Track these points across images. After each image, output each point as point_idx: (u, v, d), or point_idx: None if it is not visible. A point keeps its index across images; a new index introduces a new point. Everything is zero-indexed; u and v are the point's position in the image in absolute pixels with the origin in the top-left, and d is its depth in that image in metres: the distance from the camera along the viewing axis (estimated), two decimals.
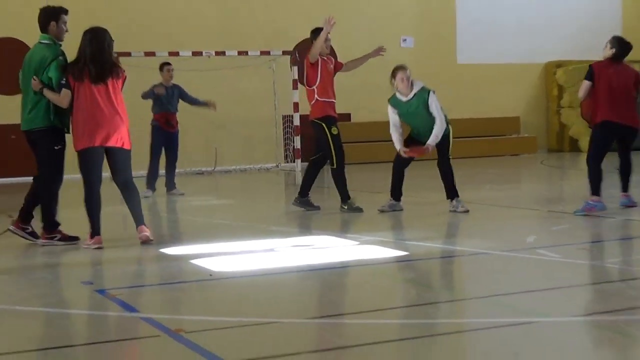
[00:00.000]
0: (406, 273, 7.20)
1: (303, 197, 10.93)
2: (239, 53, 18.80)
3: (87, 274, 7.27)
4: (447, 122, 10.34)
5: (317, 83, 10.52)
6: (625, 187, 10.30)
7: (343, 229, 9.53)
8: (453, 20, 22.91)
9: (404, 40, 22.40)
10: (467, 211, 10.19)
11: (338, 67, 11.02)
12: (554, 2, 23.76)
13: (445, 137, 10.33)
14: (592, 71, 10.15)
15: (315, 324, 5.37)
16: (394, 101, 10.41)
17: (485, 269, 7.18)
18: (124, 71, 8.38)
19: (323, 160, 10.90)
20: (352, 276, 7.14)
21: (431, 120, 10.18)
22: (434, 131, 10.14)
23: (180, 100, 13.88)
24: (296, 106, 18.90)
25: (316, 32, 10.65)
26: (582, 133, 23.04)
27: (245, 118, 19.85)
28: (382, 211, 10.38)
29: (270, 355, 4.64)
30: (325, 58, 10.72)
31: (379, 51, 11.06)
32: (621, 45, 10.13)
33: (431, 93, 10.27)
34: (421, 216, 10.50)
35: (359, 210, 10.42)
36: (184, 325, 5.24)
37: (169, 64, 14.16)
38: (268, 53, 19.13)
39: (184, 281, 6.86)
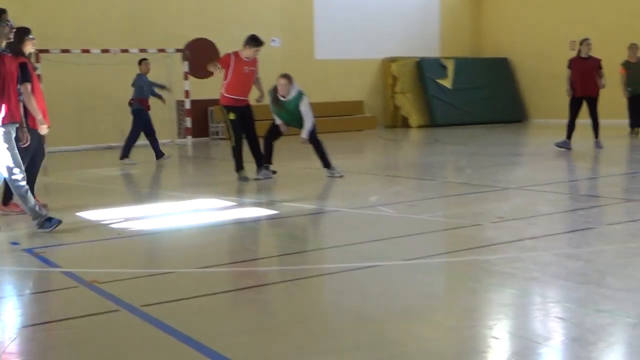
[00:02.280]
0: (277, 228, 7.17)
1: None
2: (140, 50, 18.27)
3: (15, 236, 6.96)
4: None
5: (228, 80, 10.19)
6: None
7: (229, 194, 9.39)
8: (311, 23, 22.84)
9: (273, 40, 22.21)
10: (342, 176, 10.19)
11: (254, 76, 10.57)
12: (388, 6, 23.93)
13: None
14: None
15: (208, 273, 5.30)
16: (273, 96, 10.39)
17: (339, 223, 7.22)
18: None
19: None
20: (234, 232, 7.04)
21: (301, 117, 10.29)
22: (305, 127, 10.22)
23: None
24: (187, 93, 18.64)
25: (252, 39, 10.34)
26: (410, 113, 23.48)
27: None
28: (257, 179, 10.30)
29: (171, 299, 4.55)
30: (246, 60, 10.23)
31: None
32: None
33: (304, 97, 10.32)
34: (288, 182, 10.44)
35: (245, 179, 10.27)
36: (99, 277, 5.08)
37: (146, 59, 14.09)
38: (164, 50, 18.70)
39: (97, 240, 6.64)
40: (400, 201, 8.14)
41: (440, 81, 23.58)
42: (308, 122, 10.27)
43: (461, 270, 5.13)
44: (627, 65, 16.17)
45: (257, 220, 7.37)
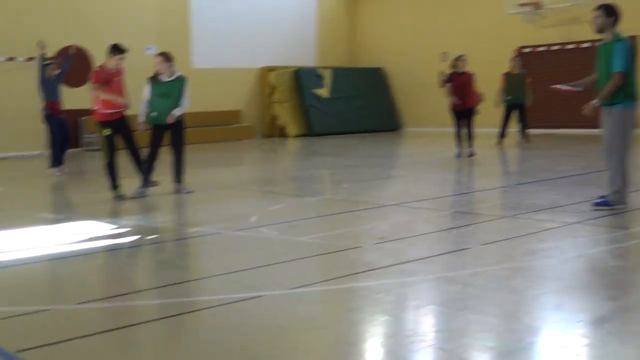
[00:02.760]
0: (156, 255, 6.97)
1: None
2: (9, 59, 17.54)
3: None
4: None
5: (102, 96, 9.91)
6: None
7: (103, 215, 9.07)
8: (188, 31, 22.51)
9: (148, 48, 21.74)
10: (192, 192, 10.22)
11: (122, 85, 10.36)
12: (265, 16, 23.92)
13: (181, 125, 10.26)
14: None
15: (85, 310, 5.06)
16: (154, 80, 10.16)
17: (217, 248, 7.07)
18: None
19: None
20: (110, 260, 6.81)
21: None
22: (181, 106, 10.13)
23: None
24: None
25: (114, 48, 10.03)
26: (288, 122, 23.56)
27: (16, 111, 18.51)
28: (133, 197, 10.03)
29: (48, 342, 4.31)
30: (112, 71, 9.97)
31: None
32: None
33: (186, 80, 10.20)
34: (167, 201, 10.19)
35: (121, 198, 9.96)
36: None
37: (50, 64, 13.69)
38: (32, 59, 17.97)
39: None
40: (281, 221, 8.09)
41: (317, 91, 23.81)
42: (185, 102, 10.16)
43: (344, 298, 5.13)
44: (508, 76, 16.99)
45: (134, 247, 7.14)
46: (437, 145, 17.92)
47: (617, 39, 7.84)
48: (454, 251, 6.41)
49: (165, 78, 10.13)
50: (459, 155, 14.26)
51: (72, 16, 19.99)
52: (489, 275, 5.52)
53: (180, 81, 10.19)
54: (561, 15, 20.77)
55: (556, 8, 20.29)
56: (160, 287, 5.67)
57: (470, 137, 14.38)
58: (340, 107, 23.98)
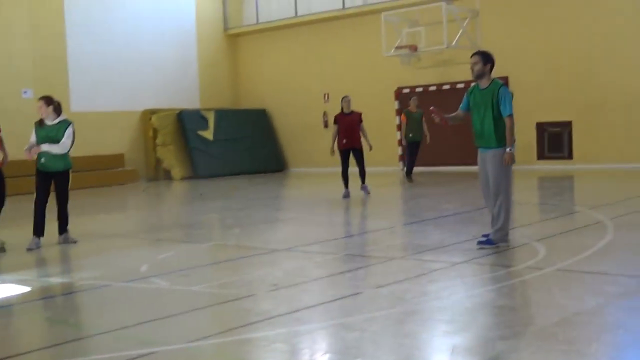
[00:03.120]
0: (43, 311, 6.71)
1: None
2: None
3: None
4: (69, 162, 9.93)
5: None
6: None
7: None
8: (66, 74, 21.98)
9: (25, 92, 21.12)
10: (76, 241, 10.03)
11: None
12: (146, 58, 23.69)
13: (68, 173, 9.96)
14: None
15: None
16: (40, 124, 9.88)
17: (108, 301, 6.87)
18: None
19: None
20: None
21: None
22: (58, 146, 9.77)
23: None
24: None
25: None
26: (172, 165, 23.29)
27: None
28: (30, 249, 9.64)
29: None
30: None
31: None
32: None
33: (71, 123, 9.97)
34: (53, 251, 9.85)
35: (2, 250, 9.60)
36: None
37: None
38: None
39: None
40: (172, 270, 7.96)
41: (202, 133, 23.71)
42: (65, 142, 9.82)
43: (241, 350, 5.10)
44: (408, 114, 17.68)
45: (21, 303, 6.86)
46: (323, 185, 18.15)
47: (499, 85, 8.21)
48: (348, 296, 6.47)
49: (49, 122, 9.84)
50: (346, 195, 14.47)
51: None
52: (384, 320, 5.61)
53: (64, 124, 9.90)
54: (436, 57, 21.60)
55: (431, 50, 21.08)
56: (49, 346, 5.46)
57: (362, 173, 14.64)
58: (225, 148, 23.94)
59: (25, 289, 7.34)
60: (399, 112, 22.63)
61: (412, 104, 17.82)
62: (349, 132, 14.46)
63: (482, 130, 8.25)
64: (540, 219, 10.91)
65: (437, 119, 8.57)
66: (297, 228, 11.26)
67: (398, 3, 22.18)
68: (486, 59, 8.30)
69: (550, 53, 19.92)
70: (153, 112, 23.48)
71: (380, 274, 7.45)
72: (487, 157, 8.26)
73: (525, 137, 19.66)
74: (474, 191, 14.69)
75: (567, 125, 19.65)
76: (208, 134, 23.77)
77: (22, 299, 6.99)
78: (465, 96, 8.50)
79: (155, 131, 23.30)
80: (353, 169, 14.58)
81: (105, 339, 5.55)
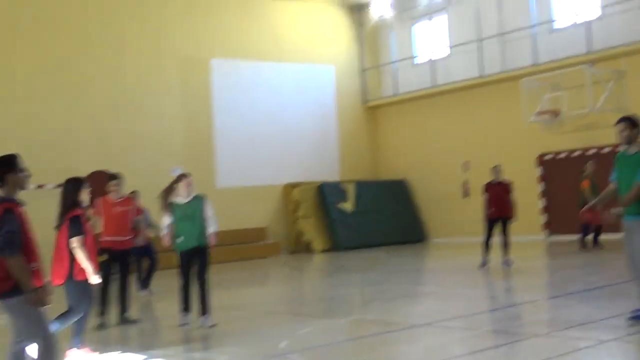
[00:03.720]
0: None
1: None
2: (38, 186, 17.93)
3: None
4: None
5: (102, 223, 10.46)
6: None
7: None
8: (212, 151, 23.02)
9: (174, 170, 22.18)
10: (215, 325, 9.50)
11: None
12: (287, 133, 24.45)
13: (207, 251, 9.67)
14: None
15: None
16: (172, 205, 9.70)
17: None
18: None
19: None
20: None
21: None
22: (212, 228, 9.63)
23: None
24: None
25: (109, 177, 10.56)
26: (313, 237, 23.66)
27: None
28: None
29: None
30: (116, 201, 10.53)
31: None
32: None
33: (205, 198, 9.77)
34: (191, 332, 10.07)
35: (103, 326, 10.02)
36: None
37: None
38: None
39: None
40: (310, 346, 8.04)
41: (342, 205, 23.99)
42: (213, 222, 9.71)
43: None
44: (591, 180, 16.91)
45: None
46: (463, 256, 17.83)
47: None
48: None
49: (183, 200, 9.67)
50: (483, 265, 14.30)
51: (100, 140, 20.54)
52: None
53: (199, 200, 9.71)
54: (580, 121, 21.02)
55: (574, 115, 20.55)
56: None
57: (506, 245, 14.49)
58: (365, 220, 24.10)
59: None
60: (541, 179, 22.10)
61: (589, 168, 17.17)
62: (498, 201, 14.44)
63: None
64: None
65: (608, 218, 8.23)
66: (437, 302, 11.10)
67: (538, 68, 21.86)
68: (633, 123, 8.01)
69: None
70: (294, 185, 24.06)
71: (523, 352, 7.23)
72: (634, 226, 7.90)
73: None
74: (621, 262, 14.02)
75: None
76: (348, 206, 24.05)
77: None
78: (614, 170, 8.19)
79: (296, 204, 23.82)
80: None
81: None
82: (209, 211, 9.72)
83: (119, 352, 8.39)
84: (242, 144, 23.50)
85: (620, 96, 20.24)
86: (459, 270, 15.34)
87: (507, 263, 14.36)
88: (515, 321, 9.05)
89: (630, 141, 7.95)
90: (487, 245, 14.47)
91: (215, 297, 10.63)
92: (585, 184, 16.89)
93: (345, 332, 9.17)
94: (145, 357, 8.12)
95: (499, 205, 14.44)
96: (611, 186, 8.18)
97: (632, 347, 7.10)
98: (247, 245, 22.60)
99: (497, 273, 13.72)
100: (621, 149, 8.10)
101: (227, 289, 14.10)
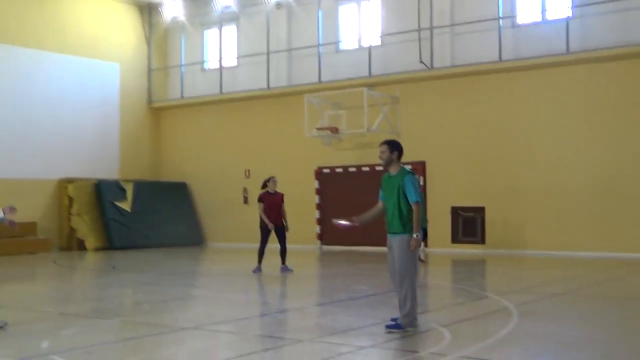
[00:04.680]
0: None
1: None
2: None
3: None
4: None
5: None
6: None
7: None
8: None
9: None
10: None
11: None
12: (65, 126, 23.43)
13: None
14: None
15: None
16: None
17: None
18: None
19: None
20: None
21: None
22: None
23: None
24: None
25: None
26: (87, 235, 22.81)
27: None
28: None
29: None
30: None
31: None
32: None
33: None
34: None
35: None
36: None
37: None
38: None
39: None
40: (76, 347, 7.71)
41: (119, 204, 23.36)
42: None
43: None
44: None
45: None
46: (240, 261, 17.98)
47: (405, 173, 8.42)
48: None
49: None
50: (257, 270, 14.67)
51: None
52: None
53: None
54: (357, 139, 22.01)
55: (352, 133, 21.49)
56: None
57: (284, 253, 14.92)
58: (143, 220, 23.62)
59: None
60: (318, 192, 22.85)
61: None
62: (274, 211, 14.74)
63: (391, 216, 8.38)
64: (450, 304, 11.03)
65: (345, 226, 8.68)
66: (208, 305, 11.10)
67: (321, 85, 22.65)
68: (393, 147, 8.51)
69: (464, 140, 20.56)
70: (70, 181, 23.09)
71: (287, 356, 7.40)
72: (393, 242, 8.39)
73: (440, 220, 20.08)
74: (384, 273, 14.81)
75: (480, 210, 20.16)
76: (125, 205, 23.45)
77: None
78: (381, 189, 8.65)
79: (70, 200, 22.86)
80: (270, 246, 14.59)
81: None
82: None
83: None
84: (15, 134, 22.23)
85: (393, 120, 21.45)
86: (233, 275, 15.46)
87: (285, 270, 14.75)
88: (282, 326, 9.26)
89: (388, 163, 8.46)
90: (261, 252, 14.80)
91: None
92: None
93: (113, 333, 8.89)
94: None
95: (274, 215, 14.76)
96: (379, 204, 8.63)
97: (387, 353, 7.50)
98: (15, 239, 21.33)
99: (270, 280, 13.99)
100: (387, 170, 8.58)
101: None
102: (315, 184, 22.98)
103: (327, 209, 22.56)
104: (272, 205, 14.79)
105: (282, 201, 14.96)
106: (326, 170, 22.82)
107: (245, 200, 24.00)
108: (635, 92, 18.40)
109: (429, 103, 21.36)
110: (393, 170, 8.48)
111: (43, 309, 10.88)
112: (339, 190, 22.26)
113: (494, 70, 20.33)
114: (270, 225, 14.61)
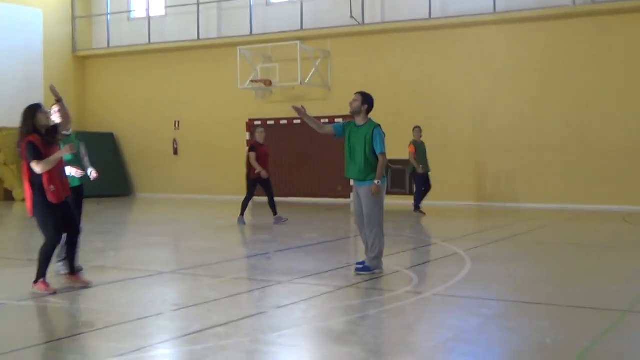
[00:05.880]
0: None
1: None
2: None
3: None
4: None
5: None
6: None
7: None
8: None
9: None
10: None
11: None
12: None
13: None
14: None
15: None
16: None
17: None
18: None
19: None
20: None
21: None
22: None
23: None
24: None
25: None
26: (14, 185, 22.50)
27: None
28: None
29: None
30: None
31: None
32: None
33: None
34: None
35: None
36: None
37: None
38: None
39: None
40: (72, 289, 7.99)
41: None
42: None
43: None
44: (415, 144, 17.09)
45: None
46: (178, 211, 18.27)
47: (374, 125, 8.99)
48: (254, 315, 6.89)
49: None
50: (242, 221, 14.86)
51: None
52: (295, 336, 6.10)
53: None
54: (289, 92, 22.42)
55: (285, 86, 21.88)
56: None
57: (273, 203, 15.03)
58: None
59: None
60: (249, 143, 23.17)
61: (416, 135, 17.25)
62: (264, 161, 14.83)
63: (355, 164, 8.95)
64: (403, 250, 11.67)
65: (299, 114, 9.16)
66: (173, 252, 11.46)
67: (253, 38, 22.84)
68: (365, 99, 9.08)
69: (394, 97, 21.21)
70: None
71: (274, 296, 7.91)
72: (360, 190, 8.98)
73: None
74: (330, 222, 15.46)
75: (407, 163, 20.94)
76: None
77: None
78: (340, 124, 9.20)
79: None
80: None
81: None
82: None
83: None
84: None
85: (325, 74, 21.94)
86: (178, 222, 15.74)
87: (279, 220, 14.96)
88: (254, 270, 9.75)
89: (357, 112, 9.04)
90: (246, 204, 15.01)
91: None
92: (412, 149, 17.07)
93: (92, 277, 9.11)
94: None
95: (265, 165, 14.83)
96: (328, 128, 9.23)
97: (367, 292, 8.11)
98: None
99: (220, 229, 14.34)
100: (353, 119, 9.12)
101: None
102: (247, 136, 23.30)
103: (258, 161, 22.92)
104: (263, 155, 14.88)
105: (269, 152, 15.09)
106: (257, 122, 23.14)
107: (175, 152, 24.13)
108: (556, 52, 19.46)
109: (360, 58, 21.90)
110: (360, 120, 9.03)
111: (15, 256, 11.03)
112: (271, 142, 22.60)
113: (422, 28, 21.00)
114: (264, 173, 14.60)
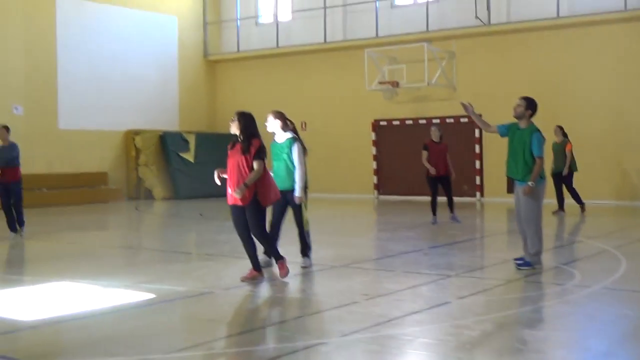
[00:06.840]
0: (184, 309, 7.62)
1: None
2: None
3: None
4: None
5: None
6: None
7: (75, 276, 9.48)
8: (55, 92, 22.63)
9: (16, 108, 21.65)
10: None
11: None
12: (130, 79, 24.48)
13: None
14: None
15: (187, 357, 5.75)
16: None
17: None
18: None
19: None
20: (139, 315, 7.38)
21: None
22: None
23: None
24: None
25: None
26: (154, 185, 24.04)
27: None
28: None
29: None
30: None
31: None
32: None
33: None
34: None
35: None
36: None
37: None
38: None
39: None
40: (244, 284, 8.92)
41: (184, 155, 24.52)
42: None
43: (395, 343, 6.19)
44: (554, 146, 17.14)
45: (141, 306, 7.72)
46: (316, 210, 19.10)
47: (534, 130, 9.60)
48: (442, 304, 7.63)
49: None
50: (435, 222, 15.00)
51: None
52: (487, 323, 6.81)
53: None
54: (414, 93, 23.09)
55: (411, 87, 22.57)
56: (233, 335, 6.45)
57: (451, 202, 15.19)
58: (204, 171, 24.75)
59: (134, 293, 8.22)
60: (375, 143, 24.00)
61: (557, 135, 17.06)
62: (439, 159, 14.86)
63: (516, 165, 9.59)
64: (551, 247, 12.05)
65: (467, 112, 9.90)
66: (331, 248, 11.98)
67: (379, 40, 23.62)
68: (529, 104, 9.71)
69: (522, 95, 21.46)
70: (136, 132, 24.23)
71: (451, 288, 8.62)
72: (519, 189, 9.62)
73: (496, 173, 21.08)
74: (465, 220, 15.83)
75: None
76: (189, 156, 24.63)
77: (139, 302, 7.87)
78: (504, 125, 9.84)
79: (138, 151, 24.04)
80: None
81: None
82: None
83: None
84: (86, 87, 23.29)
85: (450, 74, 22.52)
86: (347, 223, 16.45)
87: (454, 219, 15.14)
88: (418, 265, 10.45)
89: (519, 117, 9.67)
90: (434, 204, 15.02)
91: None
92: (570, 147, 17.03)
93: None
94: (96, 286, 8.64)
95: (441, 163, 14.89)
96: (493, 126, 9.91)
97: (538, 285, 8.74)
98: (87, 189, 22.59)
99: (406, 227, 15.06)
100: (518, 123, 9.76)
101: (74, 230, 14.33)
102: (372, 136, 24.10)
103: (383, 161, 23.77)
104: (436, 153, 14.85)
105: (447, 150, 14.98)
106: (383, 123, 23.93)
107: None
108: None
109: (485, 58, 22.35)
110: (523, 124, 9.65)
111: (192, 251, 12.14)
112: (395, 142, 23.43)
113: (550, 27, 21.27)
114: (432, 170, 14.69)
